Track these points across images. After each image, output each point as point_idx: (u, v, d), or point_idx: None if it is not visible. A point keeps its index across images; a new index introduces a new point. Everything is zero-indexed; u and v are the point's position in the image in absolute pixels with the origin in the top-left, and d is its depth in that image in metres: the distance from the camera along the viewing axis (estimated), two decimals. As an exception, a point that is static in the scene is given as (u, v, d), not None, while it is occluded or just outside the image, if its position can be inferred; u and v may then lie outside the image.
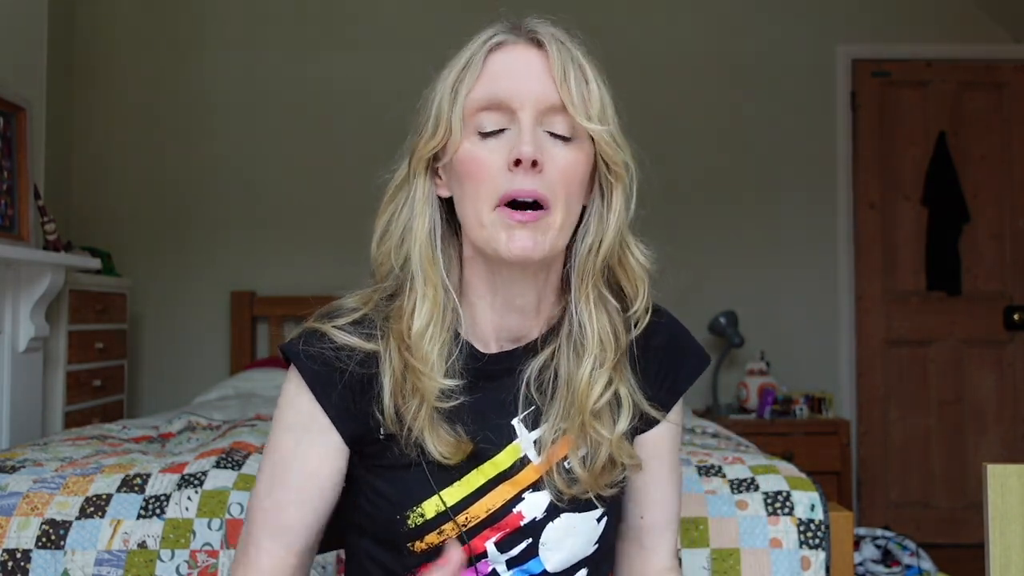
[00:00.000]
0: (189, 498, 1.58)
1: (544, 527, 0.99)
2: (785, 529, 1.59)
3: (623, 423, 0.98)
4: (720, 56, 4.08)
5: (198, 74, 4.01)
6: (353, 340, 0.97)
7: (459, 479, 0.97)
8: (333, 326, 0.98)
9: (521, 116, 0.92)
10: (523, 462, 0.99)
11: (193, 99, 4.01)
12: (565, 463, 0.99)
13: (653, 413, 1.01)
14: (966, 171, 4.04)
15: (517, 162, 0.91)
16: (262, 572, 0.97)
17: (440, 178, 0.99)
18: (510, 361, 1.00)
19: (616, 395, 0.99)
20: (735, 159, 4.06)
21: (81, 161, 3.95)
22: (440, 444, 0.95)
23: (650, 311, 1.02)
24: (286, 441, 0.99)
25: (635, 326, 1.01)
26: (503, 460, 0.99)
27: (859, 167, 4.08)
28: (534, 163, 0.91)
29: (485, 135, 0.94)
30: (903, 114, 4.09)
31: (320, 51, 4.03)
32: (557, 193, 0.92)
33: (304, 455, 0.98)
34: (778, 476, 1.68)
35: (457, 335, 0.99)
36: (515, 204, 0.92)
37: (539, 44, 0.95)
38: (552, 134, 0.94)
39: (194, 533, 1.55)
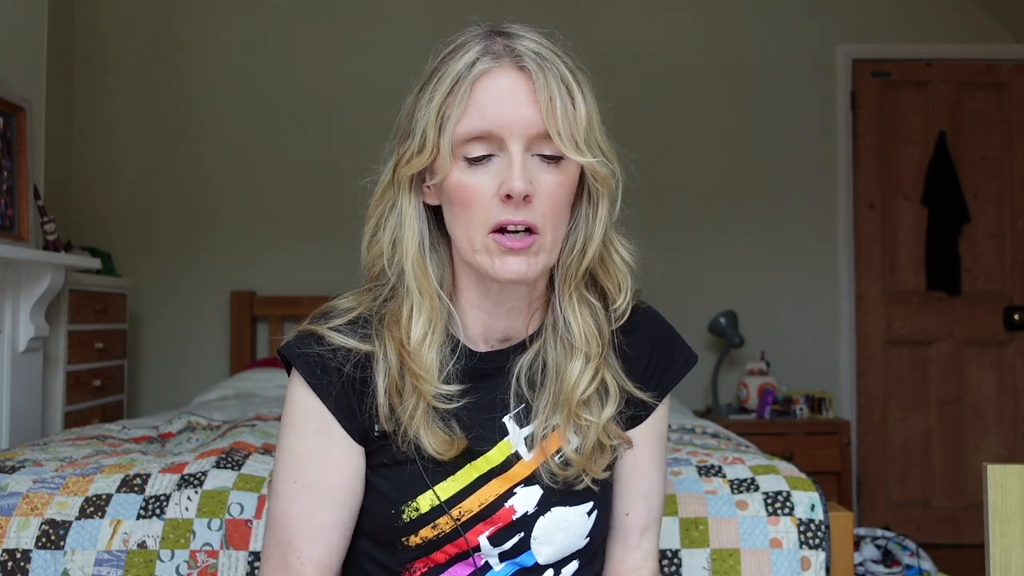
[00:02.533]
0: (189, 498, 1.58)
1: (536, 521, 1.01)
2: (785, 529, 1.59)
3: (610, 408, 1.01)
4: (720, 56, 4.08)
5: (198, 74, 4.01)
6: (349, 341, 0.99)
7: (452, 474, 0.99)
8: (328, 327, 1.00)
9: (510, 146, 0.93)
10: (515, 458, 1.01)
11: (193, 99, 4.00)
12: (557, 457, 1.00)
13: (640, 395, 1.03)
14: (966, 171, 4.03)
15: (508, 196, 0.92)
16: None
17: (429, 188, 1.00)
18: (501, 360, 1.02)
19: (603, 383, 1.01)
20: (735, 159, 4.06)
21: (81, 161, 3.95)
22: (435, 441, 0.97)
23: (631, 305, 1.04)
24: (302, 445, 1.00)
25: (619, 318, 1.03)
26: (495, 456, 1.01)
27: (859, 167, 4.08)
28: (525, 197, 0.92)
29: (474, 163, 0.94)
30: (903, 114, 4.09)
31: (320, 51, 4.03)
32: (547, 218, 0.94)
33: (324, 457, 0.99)
34: (778, 476, 1.67)
35: (453, 338, 1.01)
36: (505, 230, 0.93)
37: (523, 67, 0.94)
38: (541, 157, 0.94)
39: (194, 533, 1.55)
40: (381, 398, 0.97)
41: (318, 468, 0.99)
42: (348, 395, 0.99)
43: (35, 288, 2.70)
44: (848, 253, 4.07)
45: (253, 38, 4.04)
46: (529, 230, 0.93)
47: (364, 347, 0.98)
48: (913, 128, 4.08)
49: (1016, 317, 4.00)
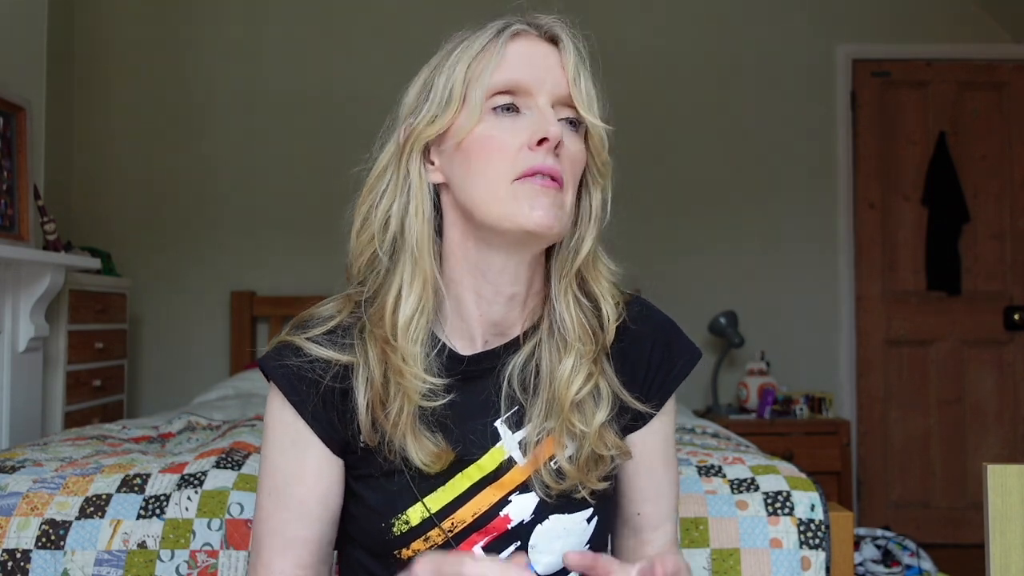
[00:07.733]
0: (189, 498, 1.58)
1: (532, 530, 0.98)
2: (785, 529, 1.59)
3: (601, 415, 0.98)
4: (720, 56, 4.08)
5: (198, 74, 4.01)
6: (327, 352, 0.96)
7: (443, 484, 0.97)
8: (306, 338, 0.98)
9: (540, 101, 0.94)
10: (508, 464, 0.98)
11: (193, 99, 4.01)
12: (552, 463, 0.98)
13: (636, 406, 1.01)
14: (966, 171, 4.04)
15: (541, 142, 0.92)
16: None
17: (432, 163, 0.99)
18: (491, 360, 0.99)
19: (596, 387, 0.98)
20: (735, 159, 4.06)
21: (81, 161, 3.95)
22: (422, 452, 0.94)
23: (623, 307, 1.02)
24: (279, 458, 0.98)
25: (613, 320, 1.01)
26: (487, 463, 0.98)
27: (859, 167, 4.08)
28: (557, 144, 0.93)
29: (502, 116, 0.94)
30: (903, 114, 4.09)
31: (319, 51, 4.03)
32: (568, 176, 0.94)
33: (299, 471, 0.97)
34: (778, 476, 1.68)
35: (435, 337, 0.98)
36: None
37: (553, 40, 0.97)
38: (565, 121, 0.96)
39: (194, 533, 1.55)
40: (363, 415, 0.95)
41: (292, 482, 0.97)
42: (328, 407, 0.96)
43: (35, 288, 2.70)
44: (848, 253, 4.07)
45: (253, 38, 4.04)
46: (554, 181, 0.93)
47: (343, 358, 0.96)
48: (913, 128, 4.08)
49: (1016, 317, 4.00)
